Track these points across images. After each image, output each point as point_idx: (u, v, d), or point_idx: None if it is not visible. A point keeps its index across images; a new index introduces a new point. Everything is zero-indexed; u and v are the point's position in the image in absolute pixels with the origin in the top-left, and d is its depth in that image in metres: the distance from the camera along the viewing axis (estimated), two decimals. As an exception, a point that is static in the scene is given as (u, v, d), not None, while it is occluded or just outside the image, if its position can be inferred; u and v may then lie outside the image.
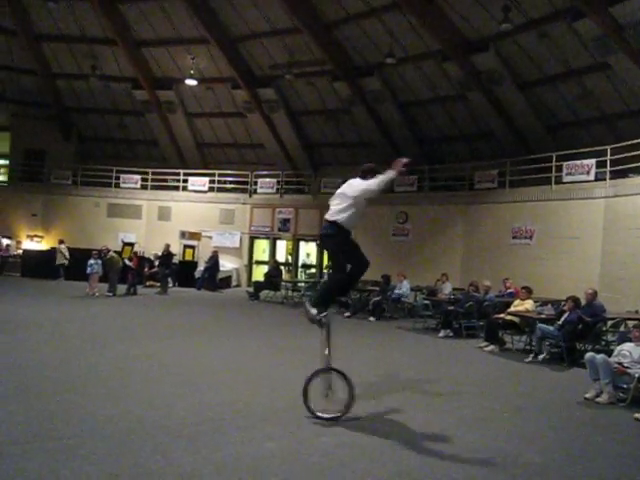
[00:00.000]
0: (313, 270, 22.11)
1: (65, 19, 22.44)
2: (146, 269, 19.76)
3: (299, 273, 22.43)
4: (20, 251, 22.51)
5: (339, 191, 6.24)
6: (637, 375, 7.04)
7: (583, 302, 10.06)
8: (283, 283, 18.74)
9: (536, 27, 16.37)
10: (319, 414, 5.77)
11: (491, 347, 10.78)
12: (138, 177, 23.84)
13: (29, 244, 23.22)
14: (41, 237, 23.64)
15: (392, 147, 21.91)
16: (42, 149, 25.44)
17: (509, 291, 13.66)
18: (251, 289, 18.82)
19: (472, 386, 7.97)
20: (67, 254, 20.60)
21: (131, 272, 17.51)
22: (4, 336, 9.58)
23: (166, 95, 24.03)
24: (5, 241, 23.31)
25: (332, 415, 5.76)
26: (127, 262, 17.57)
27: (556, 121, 18.32)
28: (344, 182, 6.46)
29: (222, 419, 5.75)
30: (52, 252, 21.16)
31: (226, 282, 21.19)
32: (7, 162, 26.15)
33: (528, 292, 11.31)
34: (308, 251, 22.64)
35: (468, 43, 17.78)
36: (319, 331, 6.00)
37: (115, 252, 17.94)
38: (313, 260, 22.31)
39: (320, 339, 5.99)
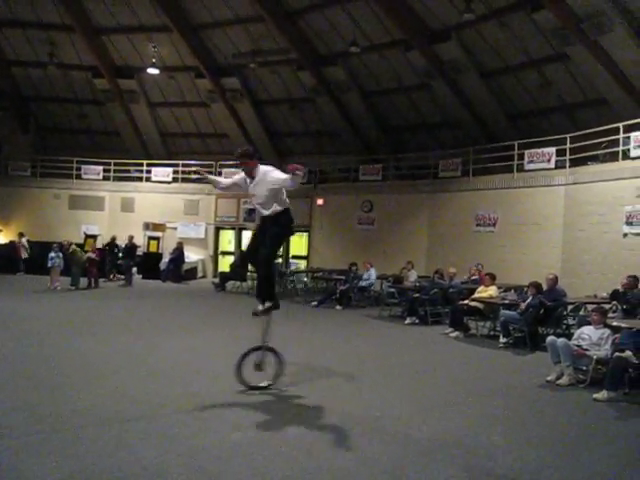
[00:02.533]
0: (279, 260, 22.05)
1: (20, 3, 21.68)
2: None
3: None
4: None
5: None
6: (595, 357, 7.25)
7: (545, 287, 10.29)
8: (249, 274, 18.62)
9: (497, 17, 16.57)
10: (252, 384, 6.34)
11: (456, 333, 10.94)
12: (100, 168, 23.32)
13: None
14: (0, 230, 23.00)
15: (357, 136, 22.00)
16: (-1, 140, 24.71)
17: (474, 277, 13.87)
18: (217, 280, 18.67)
19: (437, 371, 8.09)
20: (27, 247, 20.11)
21: (94, 265, 17.17)
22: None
23: (128, 84, 23.53)
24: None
25: (263, 384, 6.38)
26: (91, 255, 17.20)
27: (517, 110, 18.62)
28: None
29: (187, 411, 5.70)
30: (11, 246, 20.62)
31: (191, 273, 20.99)
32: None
33: (492, 278, 11.52)
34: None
35: (431, 32, 17.90)
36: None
37: (77, 245, 17.57)
38: (279, 251, 22.24)
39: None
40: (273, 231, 6.06)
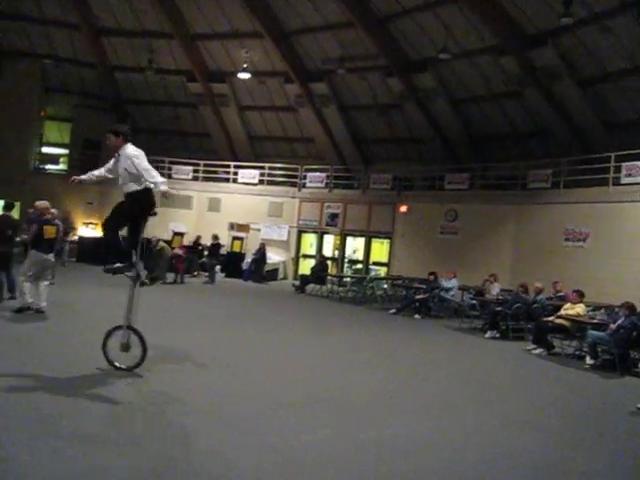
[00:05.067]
0: (359, 265, 22.06)
1: (125, 14, 23.06)
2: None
3: (345, 268, 22.40)
4: (76, 237, 23.25)
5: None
6: (694, 386, 6.75)
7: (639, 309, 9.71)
8: (329, 277, 18.76)
9: (599, 21, 15.81)
10: (117, 364, 6.48)
11: (539, 350, 10.52)
12: (190, 168, 24.28)
13: (85, 231, 23.98)
14: (96, 224, 24.37)
15: (443, 144, 21.66)
16: (99, 139, 26.16)
17: (559, 294, 13.32)
18: (297, 282, 18.92)
19: (517, 389, 7.81)
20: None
21: (180, 261, 17.81)
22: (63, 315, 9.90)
23: (219, 88, 24.39)
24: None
25: (127, 366, 6.46)
26: (178, 252, 17.88)
27: (617, 120, 17.66)
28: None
29: (264, 407, 5.79)
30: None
31: (273, 274, 21.36)
32: (67, 151, 27.08)
33: (580, 296, 10.97)
34: (355, 246, 22.59)
35: (526, 38, 17.34)
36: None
37: (164, 241, 18.28)
38: (360, 256, 22.25)
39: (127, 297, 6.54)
40: (120, 202, 6.44)
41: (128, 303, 6.56)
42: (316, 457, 4.65)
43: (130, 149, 6.43)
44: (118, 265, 6.42)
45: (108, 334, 6.53)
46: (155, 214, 6.69)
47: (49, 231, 9.83)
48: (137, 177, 6.27)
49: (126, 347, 6.50)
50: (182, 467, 4.22)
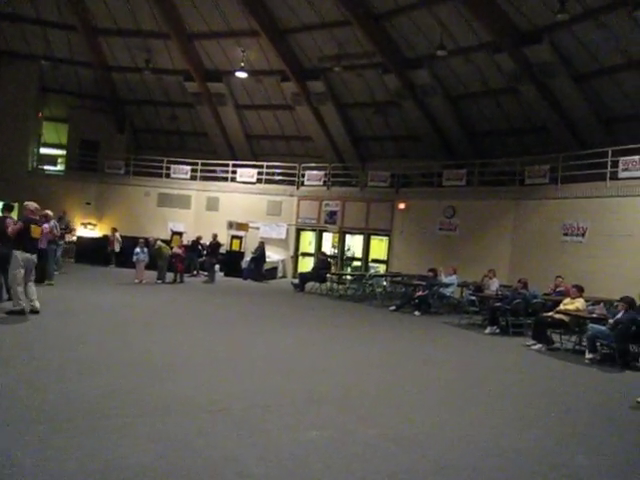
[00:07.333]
0: (358, 263, 22.09)
1: (121, 14, 23.03)
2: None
3: (344, 266, 22.43)
4: (74, 238, 23.23)
5: None
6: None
7: (639, 303, 9.74)
8: (329, 275, 18.78)
9: (594, 17, 15.84)
10: None
11: (538, 346, 10.56)
12: (188, 168, 24.29)
13: (83, 231, 23.96)
14: (94, 225, 24.38)
15: (441, 141, 21.69)
16: (97, 140, 26.20)
17: (558, 289, 13.36)
18: (296, 280, 18.94)
19: (517, 384, 7.84)
20: (120, 242, 21.20)
21: (180, 261, 17.80)
22: (59, 320, 9.93)
23: (216, 87, 24.40)
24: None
25: None
26: (177, 251, 17.87)
27: (614, 115, 17.72)
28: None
29: (267, 405, 5.82)
30: (104, 239, 21.80)
31: (272, 273, 21.39)
32: (65, 152, 27.06)
33: (579, 291, 11.00)
34: (353, 244, 22.60)
35: (521, 34, 17.36)
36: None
37: (163, 241, 18.27)
38: (358, 253, 22.27)
39: None
40: None
41: None
42: (318, 454, 4.67)
43: None
44: None
45: None
46: None
47: (35, 231, 9.85)
48: None
49: None
50: (184, 464, 4.24)
